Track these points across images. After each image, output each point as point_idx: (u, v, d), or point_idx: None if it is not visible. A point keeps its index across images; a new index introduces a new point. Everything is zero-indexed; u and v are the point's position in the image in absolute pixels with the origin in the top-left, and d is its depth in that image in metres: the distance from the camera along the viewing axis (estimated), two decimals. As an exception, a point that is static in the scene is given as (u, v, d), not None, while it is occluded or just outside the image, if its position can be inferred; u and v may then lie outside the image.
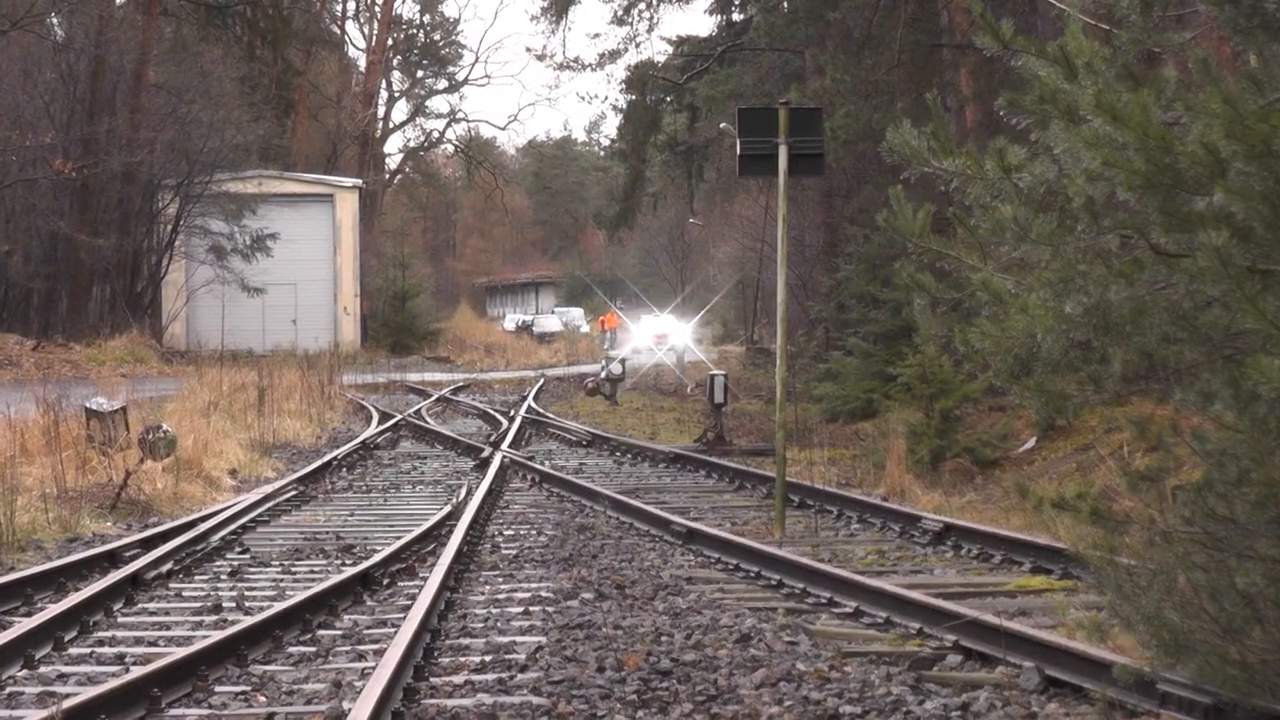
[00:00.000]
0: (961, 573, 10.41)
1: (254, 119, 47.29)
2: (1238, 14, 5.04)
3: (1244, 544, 5.28)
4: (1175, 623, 5.34)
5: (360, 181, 58.80)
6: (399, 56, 79.08)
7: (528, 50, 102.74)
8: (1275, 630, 5.19)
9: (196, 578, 10.42)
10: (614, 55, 43.78)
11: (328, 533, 12.69)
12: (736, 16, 40.15)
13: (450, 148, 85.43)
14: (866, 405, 21.83)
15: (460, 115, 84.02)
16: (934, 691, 6.99)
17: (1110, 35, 5.67)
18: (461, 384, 38.45)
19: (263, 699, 6.95)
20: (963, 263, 5.81)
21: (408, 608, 8.62)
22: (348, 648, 8.05)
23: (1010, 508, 12.98)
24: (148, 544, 11.09)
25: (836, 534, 12.52)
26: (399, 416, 25.15)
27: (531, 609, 9.07)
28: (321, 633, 8.40)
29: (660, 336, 47.47)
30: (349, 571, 9.83)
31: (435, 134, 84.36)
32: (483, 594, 9.67)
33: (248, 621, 8.03)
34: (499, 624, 8.63)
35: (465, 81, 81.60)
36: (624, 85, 45.35)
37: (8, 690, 7.07)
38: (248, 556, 11.39)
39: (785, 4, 29.47)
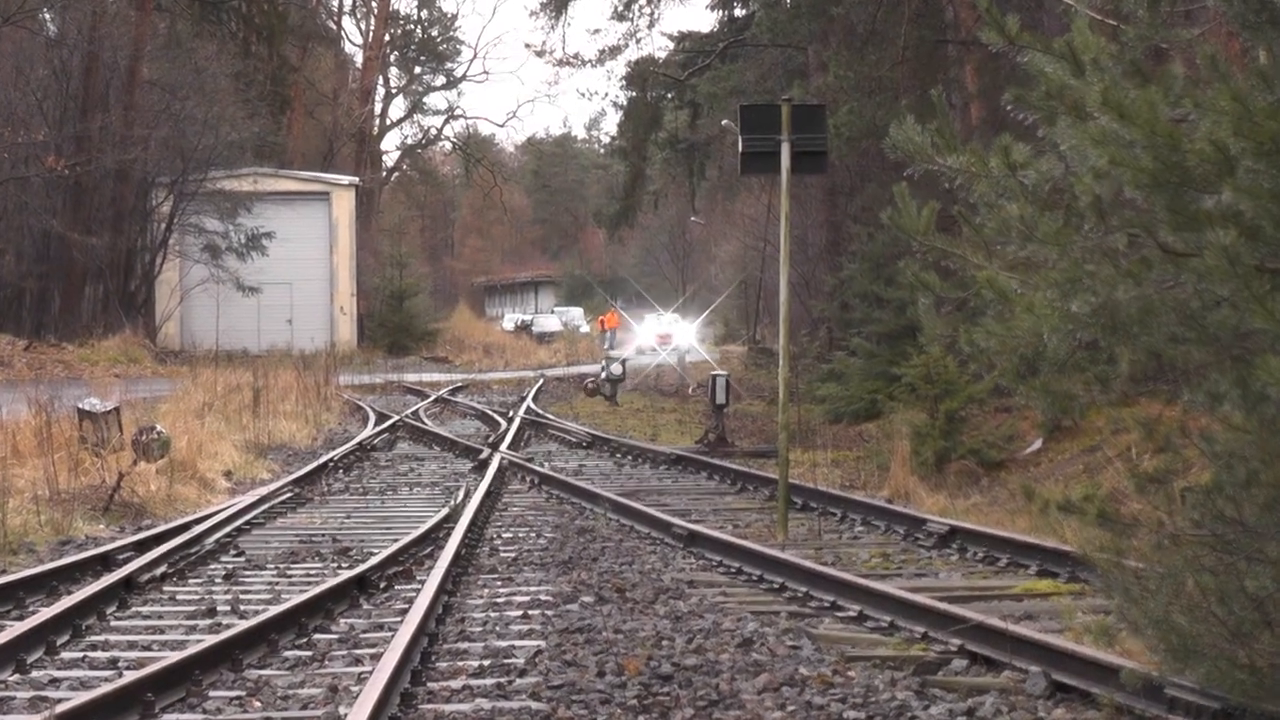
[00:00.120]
0: (967, 576, 10.41)
1: (249, 116, 47.29)
2: (1246, 9, 5.04)
3: (1253, 547, 5.28)
4: (1183, 627, 5.34)
5: (357, 179, 58.81)
6: (396, 52, 79.11)
7: (527, 46, 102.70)
8: (1285, 634, 5.19)
9: (191, 581, 10.42)
10: (614, 51, 43.76)
11: (324, 535, 12.69)
12: (739, 12, 40.16)
13: (448, 145, 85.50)
14: (870, 406, 21.83)
15: (458, 112, 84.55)
16: (939, 697, 6.99)
17: (1117, 31, 5.66)
18: (460, 385, 38.45)
19: (258, 704, 6.95)
20: (968, 261, 5.81)
21: (405, 611, 8.61)
22: (344, 652, 8.05)
23: (1016, 510, 12.97)
24: (141, 547, 11.09)
25: (840, 537, 12.52)
26: (396, 417, 25.14)
27: (530, 613, 9.07)
28: (317, 637, 8.40)
29: (664, 337, 47.46)
30: (345, 575, 9.83)
31: (433, 131, 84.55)
32: (481, 597, 9.67)
33: (243, 625, 8.03)
34: (497, 628, 8.62)
35: (463, 78, 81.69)
36: (624, 82, 45.38)
37: (-1, 695, 7.07)
38: (243, 559, 11.39)
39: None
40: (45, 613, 8.28)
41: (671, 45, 43.77)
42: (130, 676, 6.83)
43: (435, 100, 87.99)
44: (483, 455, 18.88)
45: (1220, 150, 4.76)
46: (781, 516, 12.59)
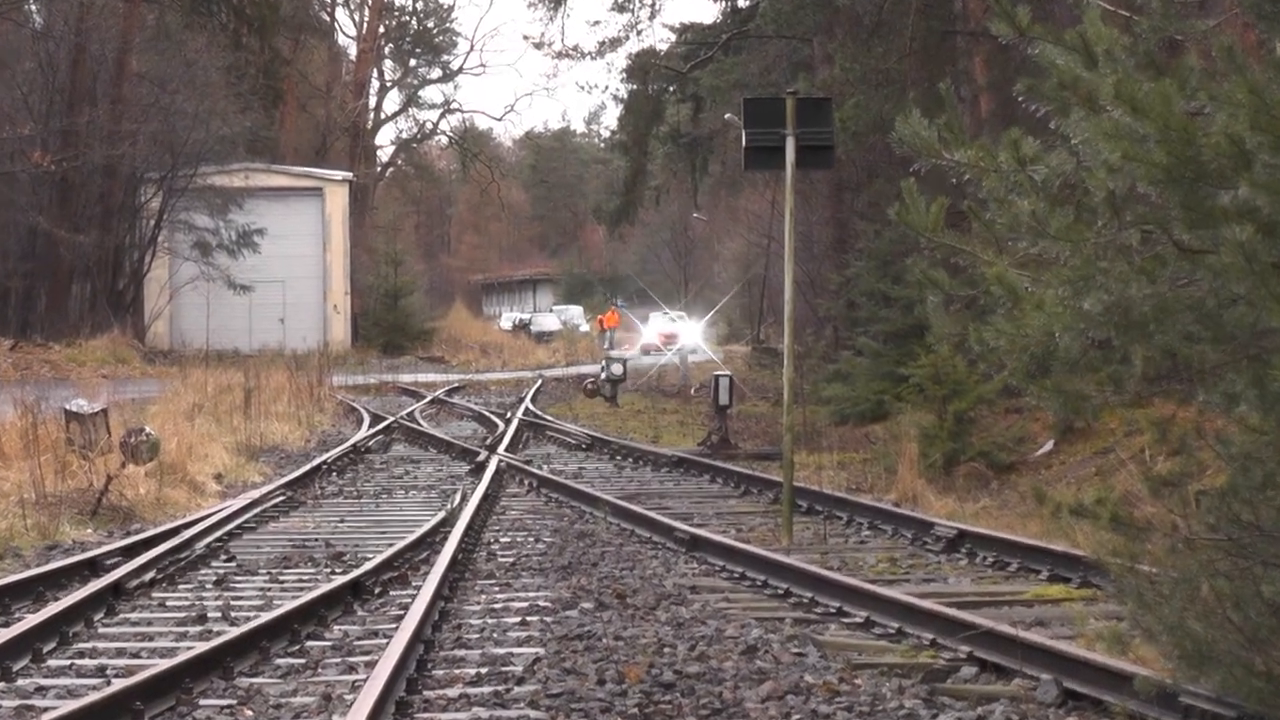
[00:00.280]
0: (976, 581, 10.41)
1: (240, 110, 47.32)
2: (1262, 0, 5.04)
3: (1270, 551, 5.28)
4: (1198, 633, 5.34)
5: (351, 175, 58.87)
6: (391, 44, 79.11)
7: (525, 38, 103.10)
8: (1302, 641, 5.19)
9: (180, 587, 10.42)
10: (614, 43, 43.75)
11: (317, 540, 12.69)
12: (742, 3, 40.12)
13: (444, 139, 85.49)
14: (877, 407, 21.82)
15: (455, 106, 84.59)
16: (948, 705, 6.99)
17: (1130, 22, 5.66)
18: (456, 385, 38.46)
19: (249, 713, 6.95)
20: (978, 258, 5.81)
21: (400, 618, 8.61)
22: (338, 659, 8.05)
23: (1027, 514, 12.98)
24: (130, 551, 11.10)
25: (846, 541, 12.52)
26: (391, 419, 25.15)
27: (529, 619, 9.07)
28: (310, 644, 8.40)
29: (669, 336, 47.43)
30: (339, 580, 9.83)
31: (429, 125, 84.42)
32: (478, 603, 9.67)
33: (234, 632, 8.03)
34: (495, 634, 8.63)
35: (460, 71, 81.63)
36: (625, 74, 45.39)
37: (-16, 704, 7.07)
38: (234, 564, 11.39)
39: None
40: (31, 619, 8.28)
41: (673, 37, 43.81)
42: (119, 685, 6.83)
43: (431, 94, 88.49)
44: (480, 458, 18.88)
45: (1236, 144, 4.75)
46: (786, 520, 12.59)
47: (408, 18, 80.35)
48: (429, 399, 32.10)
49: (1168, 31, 5.59)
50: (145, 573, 10.28)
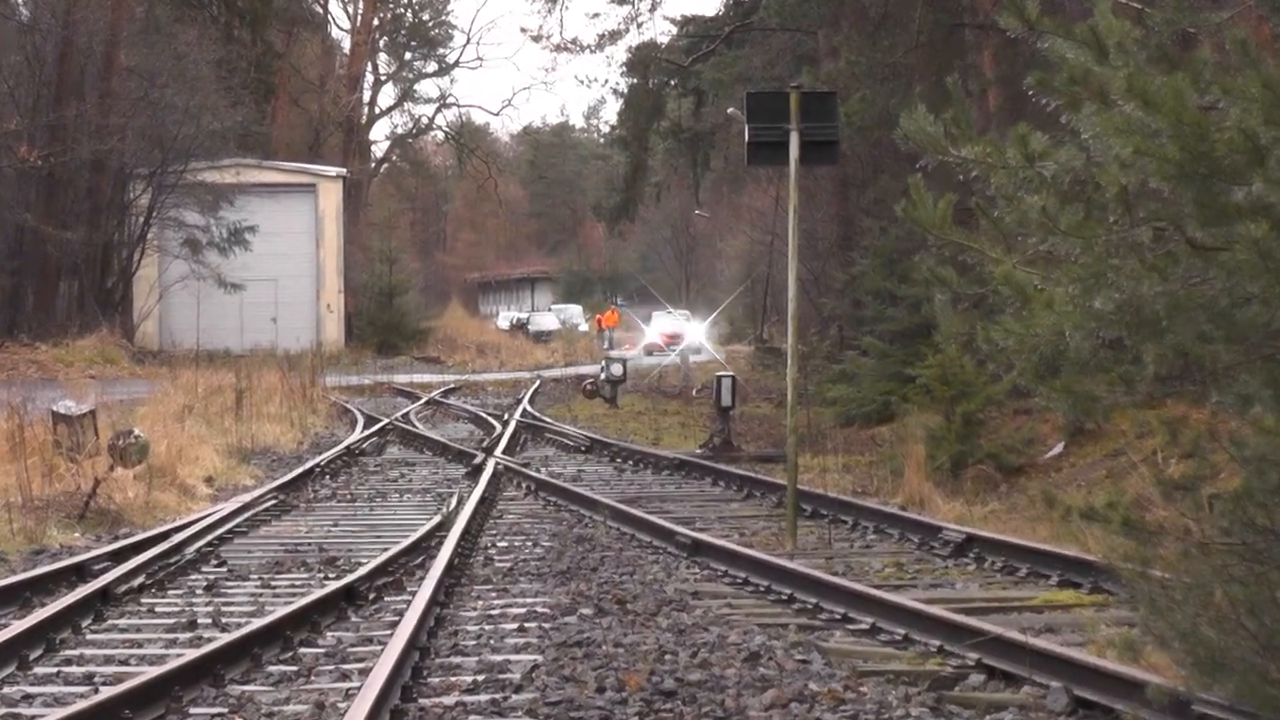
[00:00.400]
0: (985, 587, 10.42)
1: (231, 104, 47.29)
2: (1278, -8, 5.04)
3: (1285, 556, 5.27)
4: (1212, 640, 5.33)
5: (345, 171, 58.87)
6: (385, 37, 79.15)
7: (522, 31, 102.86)
8: (1318, 648, 5.19)
9: (170, 592, 10.43)
10: (614, 36, 43.78)
11: (310, 544, 12.70)
12: (745, -5, 40.15)
13: (440, 135, 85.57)
14: (883, 408, 21.82)
15: (451, 100, 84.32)
16: (955, 713, 7.00)
17: (1142, 15, 5.66)
18: (452, 386, 38.48)
19: (241, 721, 6.96)
20: (986, 256, 5.80)
21: (395, 624, 8.62)
22: (331, 667, 8.05)
23: (1036, 517, 12.98)
24: (118, 556, 11.10)
25: (851, 545, 12.53)
26: (386, 420, 25.16)
27: (527, 625, 9.08)
28: (303, 651, 8.41)
29: (672, 336, 47.38)
30: (333, 585, 9.84)
31: (424, 120, 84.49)
32: (475, 609, 9.68)
33: (225, 639, 8.03)
34: (492, 641, 8.63)
35: (456, 64, 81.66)
36: (625, 68, 45.37)
37: (-31, 712, 7.08)
38: (225, 570, 11.40)
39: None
40: (17, 626, 8.28)
41: (675, 29, 43.85)
42: (107, 693, 6.83)
43: (427, 88, 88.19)
44: (476, 460, 18.89)
45: (1250, 139, 4.75)
46: (790, 524, 12.60)
47: (403, 10, 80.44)
48: (424, 400, 32.12)
49: (1181, 24, 5.59)
50: (134, 578, 10.28)
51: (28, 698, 7.37)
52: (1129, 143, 4.97)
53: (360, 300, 57.61)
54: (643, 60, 42.87)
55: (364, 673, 7.48)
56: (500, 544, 12.69)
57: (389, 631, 8.51)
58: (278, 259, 52.02)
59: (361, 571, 10.27)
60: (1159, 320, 5.12)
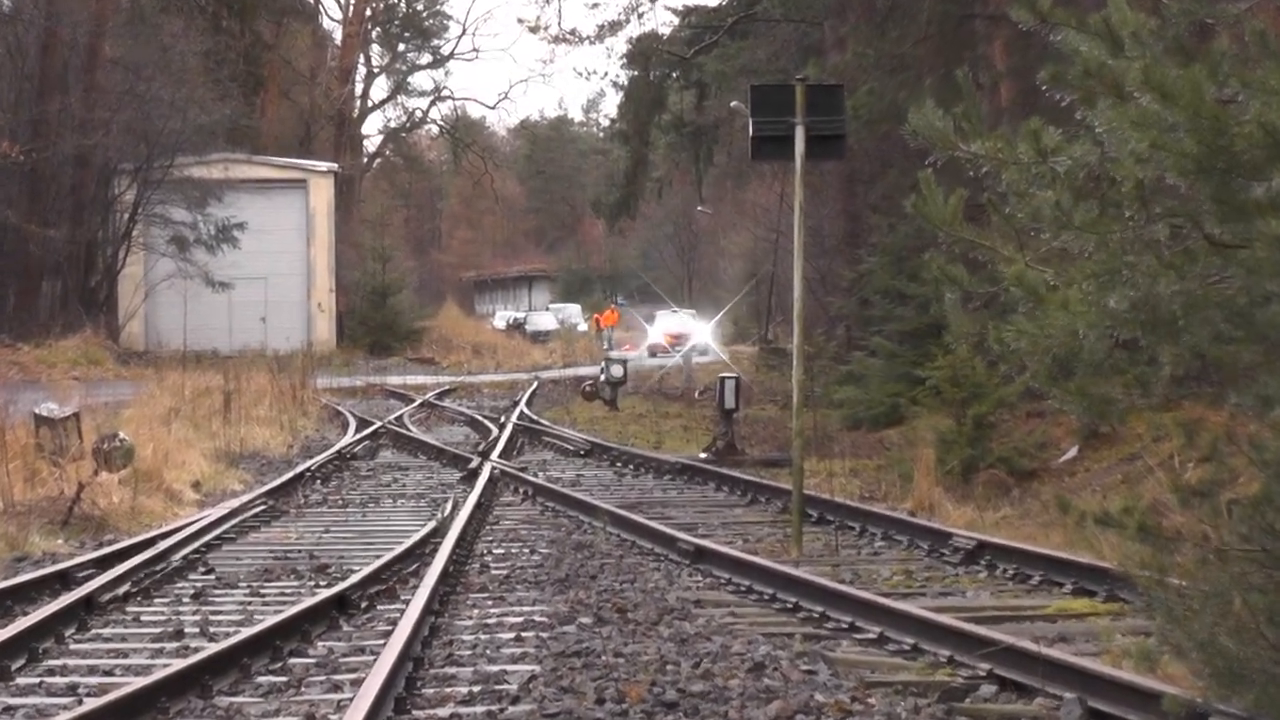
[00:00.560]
0: (996, 595, 10.42)
1: (220, 97, 47.33)
2: (1298, -18, 5.04)
3: (1306, 563, 5.27)
4: (1230, 649, 5.33)
5: (336, 166, 58.90)
6: (378, 28, 79.16)
7: (520, 22, 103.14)
8: (1340, 658, 5.19)
9: (156, 600, 10.43)
10: (614, 27, 43.81)
11: (300, 551, 12.70)
12: (749, -15, 40.19)
13: (435, 129, 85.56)
14: (892, 411, 21.85)
15: (446, 93, 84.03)
16: (966, 725, 7.00)
17: (1159, 6, 5.66)
18: (447, 388, 38.50)
19: (229, 734, 6.96)
20: (998, 254, 5.81)
21: (388, 633, 8.62)
22: (322, 677, 8.05)
23: (1050, 523, 12.98)
24: (103, 563, 11.10)
25: (859, 552, 12.53)
26: (378, 423, 25.17)
27: (524, 635, 9.08)
28: (293, 661, 8.41)
29: (676, 336, 47.33)
30: (324, 594, 9.84)
31: (418, 113, 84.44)
32: (470, 618, 9.68)
33: (213, 649, 8.04)
34: (488, 651, 8.63)
35: (451, 56, 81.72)
36: (625, 60, 45.46)
37: (-51, 724, 7.08)
38: (212, 577, 11.40)
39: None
40: (-1, 635, 8.29)
41: (676, 20, 43.86)
42: (91, 704, 6.84)
43: (421, 80, 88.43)
44: (472, 464, 18.90)
45: (1270, 134, 4.76)
46: (796, 531, 12.60)
47: (396, 0, 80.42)
48: (418, 402, 32.14)
49: (1198, 15, 5.59)
50: (119, 586, 10.29)
51: (9, 709, 7.37)
52: (1145, 137, 4.97)
53: (352, 299, 57.63)
54: (644, 52, 42.90)
55: (356, 683, 7.48)
56: (497, 551, 12.69)
57: (382, 641, 8.51)
58: (267, 257, 52.04)
59: (353, 579, 10.26)
60: (1176, 319, 5.12)
